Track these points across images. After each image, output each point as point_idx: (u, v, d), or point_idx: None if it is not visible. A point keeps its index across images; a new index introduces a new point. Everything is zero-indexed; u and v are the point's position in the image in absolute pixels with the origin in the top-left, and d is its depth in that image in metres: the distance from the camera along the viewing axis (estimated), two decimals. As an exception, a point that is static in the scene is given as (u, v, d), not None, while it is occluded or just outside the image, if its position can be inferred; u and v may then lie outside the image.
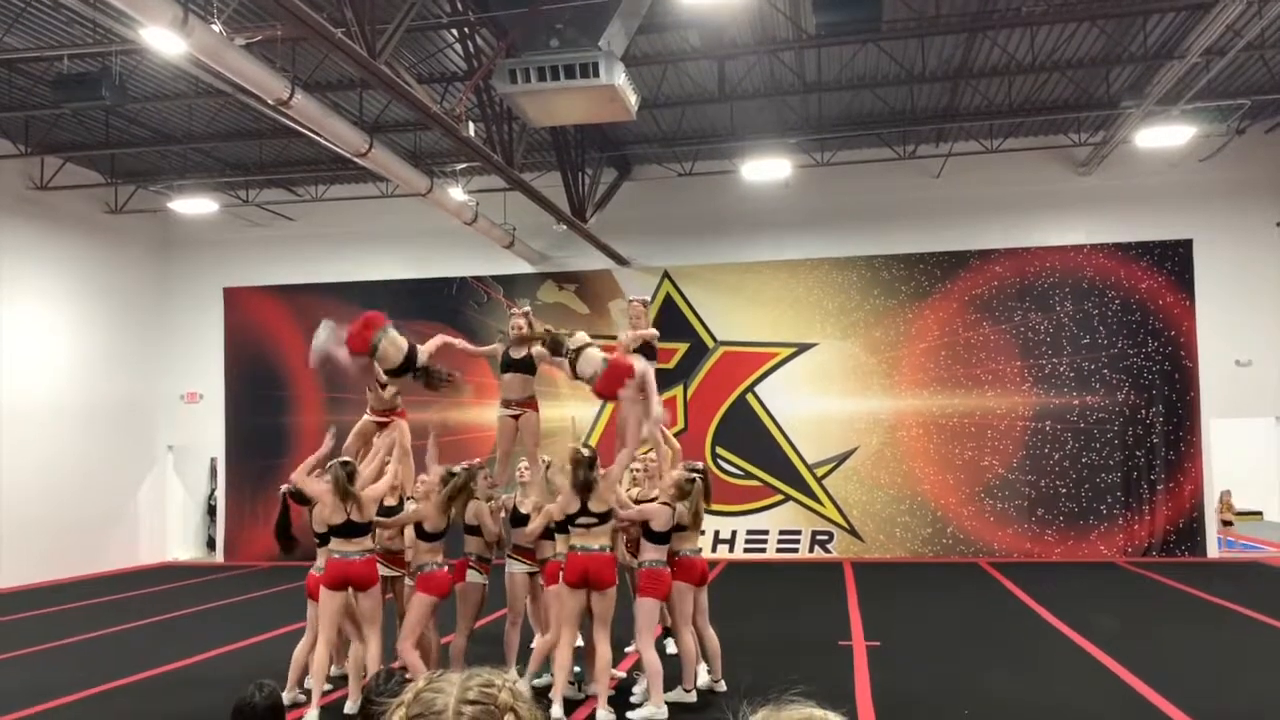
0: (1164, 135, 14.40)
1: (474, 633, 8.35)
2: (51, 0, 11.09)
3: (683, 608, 7.72)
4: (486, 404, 16.55)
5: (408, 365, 7.95)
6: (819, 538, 17.14)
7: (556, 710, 7.25)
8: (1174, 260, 16.45)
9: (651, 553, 7.53)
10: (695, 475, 7.83)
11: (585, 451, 7.51)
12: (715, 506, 16.53)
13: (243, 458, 18.90)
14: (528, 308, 9.16)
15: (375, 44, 9.15)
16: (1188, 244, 16.40)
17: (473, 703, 1.41)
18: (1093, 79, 14.32)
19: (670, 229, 17.79)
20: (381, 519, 8.03)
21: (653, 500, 7.91)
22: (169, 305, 19.32)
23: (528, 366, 8.48)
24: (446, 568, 7.94)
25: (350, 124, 12.19)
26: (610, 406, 9.05)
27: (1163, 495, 16.23)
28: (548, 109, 10.66)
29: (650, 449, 8.55)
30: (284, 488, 8.11)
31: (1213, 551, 16.09)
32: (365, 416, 8.76)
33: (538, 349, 8.32)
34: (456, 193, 15.51)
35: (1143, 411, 16.38)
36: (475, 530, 8.16)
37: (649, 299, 9.23)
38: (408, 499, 8.39)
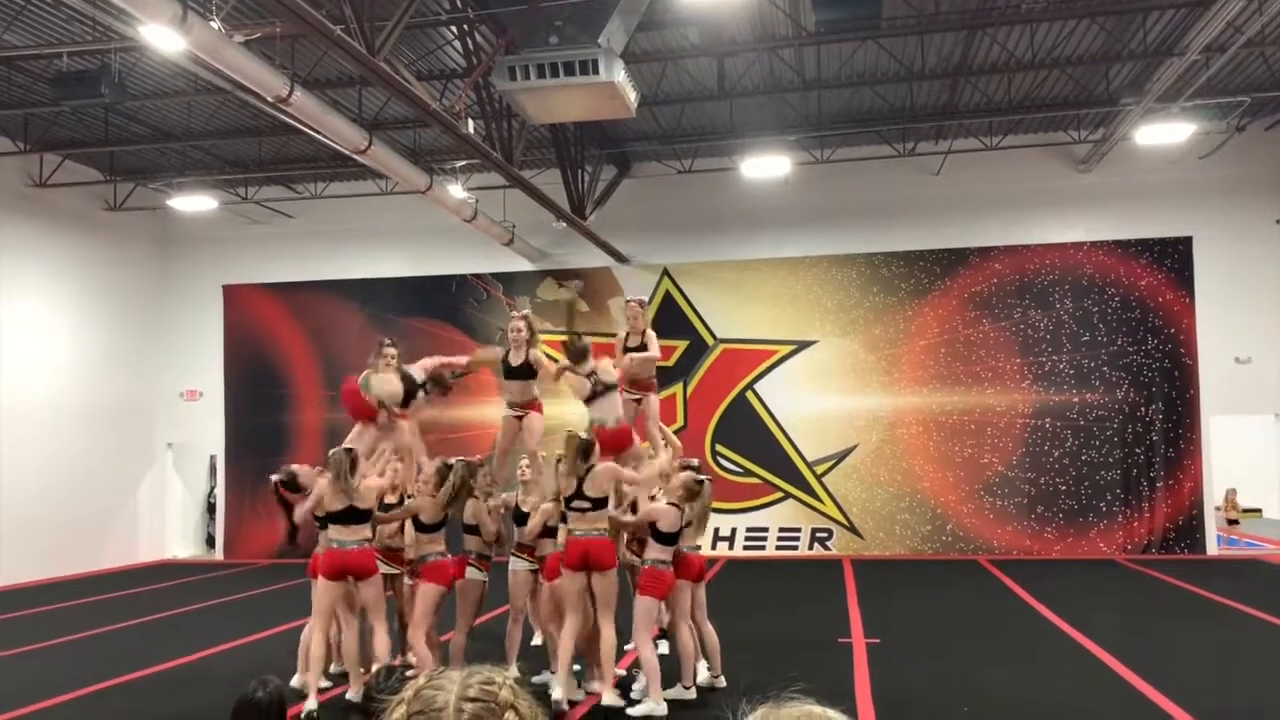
0: (1164, 132, 14.40)
1: (474, 630, 8.36)
2: (50, -3, 11.09)
3: (681, 604, 7.72)
4: (485, 402, 16.56)
5: (412, 392, 8.00)
6: (818, 535, 17.14)
7: (557, 693, 7.26)
8: (1174, 257, 16.45)
9: (655, 552, 7.52)
10: (705, 478, 7.83)
11: (582, 436, 7.54)
12: (715, 504, 16.60)
13: (242, 455, 18.89)
14: (527, 310, 9.18)
15: (374, 41, 9.14)
16: (1187, 241, 16.40)
17: (473, 700, 1.41)
18: (1092, 76, 14.32)
19: (670, 226, 17.79)
20: (381, 514, 8.03)
21: (652, 498, 7.91)
22: (168, 303, 19.31)
23: (528, 372, 8.51)
24: (449, 557, 7.96)
25: (349, 121, 12.18)
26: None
27: (1162, 493, 16.23)
28: (547, 106, 10.64)
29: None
30: (274, 477, 8.08)
31: (1212, 549, 16.09)
32: None
33: (562, 362, 8.36)
34: (456, 190, 15.50)
35: (1142, 409, 16.38)
36: (474, 529, 8.16)
37: (646, 299, 9.23)
38: (408, 497, 8.39)
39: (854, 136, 16.38)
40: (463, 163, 16.27)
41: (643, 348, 8.72)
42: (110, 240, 18.05)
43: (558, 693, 7.28)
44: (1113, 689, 7.82)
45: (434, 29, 12.29)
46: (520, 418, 8.63)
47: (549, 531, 8.15)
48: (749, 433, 17.41)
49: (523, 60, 9.93)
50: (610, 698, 7.27)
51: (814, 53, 13.42)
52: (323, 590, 7.52)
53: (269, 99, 10.49)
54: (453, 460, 8.05)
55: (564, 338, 8.49)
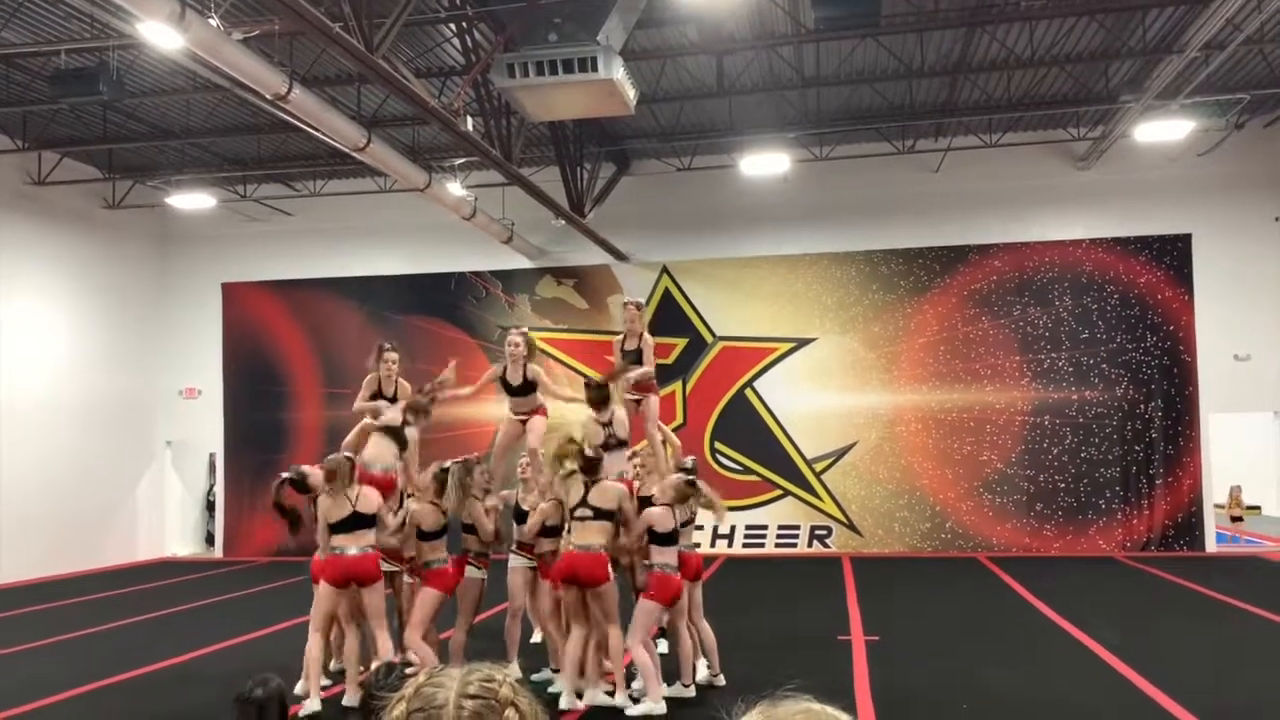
0: (1163, 130, 14.40)
1: (473, 628, 8.36)
2: (48, -5, 11.08)
3: (679, 603, 7.71)
4: (483, 400, 16.52)
5: (403, 440, 8.06)
6: (818, 533, 17.15)
7: (565, 702, 7.26)
8: (1173, 255, 16.45)
9: (660, 555, 7.48)
10: (695, 479, 7.80)
11: (587, 452, 7.49)
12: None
13: (241, 453, 18.89)
14: (525, 328, 9.18)
15: (373, 38, 9.13)
16: (1186, 239, 16.40)
17: (474, 697, 1.41)
18: (1092, 73, 14.31)
19: (669, 224, 17.78)
20: (385, 538, 7.99)
21: (649, 498, 7.91)
22: (167, 301, 19.29)
23: (527, 389, 8.51)
24: (451, 563, 7.95)
25: (348, 119, 12.17)
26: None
27: (1161, 490, 16.24)
28: (546, 103, 10.64)
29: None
30: (284, 474, 8.03)
31: (1211, 546, 16.10)
32: (359, 404, 8.76)
33: (588, 415, 8.29)
34: (455, 188, 15.49)
35: (1141, 406, 16.38)
36: (472, 528, 8.16)
37: (644, 301, 9.19)
38: (407, 497, 8.38)
39: (853, 134, 16.37)
40: (461, 160, 16.25)
41: (639, 352, 8.68)
42: (109, 238, 18.03)
43: (563, 697, 7.28)
44: (1112, 686, 7.83)
45: (432, 26, 12.27)
46: (524, 421, 8.65)
47: (548, 531, 8.15)
48: (748, 430, 17.41)
49: (521, 58, 9.92)
50: (620, 698, 7.27)
51: (813, 50, 13.41)
52: (324, 595, 7.50)
53: (267, 96, 10.49)
54: (448, 464, 8.02)
55: (586, 381, 8.44)
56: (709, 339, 17.66)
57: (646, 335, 8.72)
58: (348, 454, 7.83)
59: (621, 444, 8.20)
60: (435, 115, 10.70)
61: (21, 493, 15.80)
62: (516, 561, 8.45)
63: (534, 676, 8.24)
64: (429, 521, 7.86)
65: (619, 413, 8.36)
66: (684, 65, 13.81)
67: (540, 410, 8.65)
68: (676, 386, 17.43)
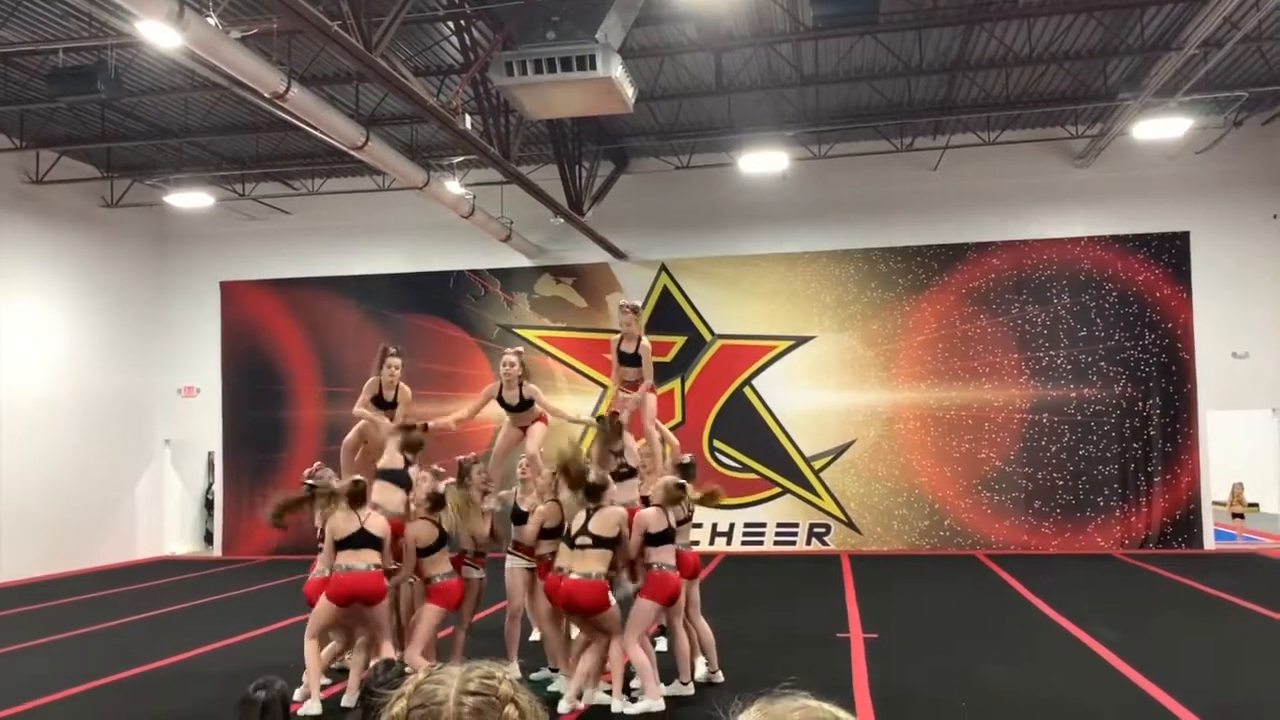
0: (1161, 127, 14.41)
1: (472, 626, 8.37)
2: (46, -7, 11.07)
3: (676, 602, 7.70)
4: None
5: (408, 484, 8.06)
6: (816, 530, 17.16)
7: (565, 703, 7.26)
8: (1171, 252, 16.46)
9: (657, 554, 7.45)
10: (685, 483, 7.78)
11: (593, 478, 7.46)
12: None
13: (240, 452, 18.89)
14: (521, 348, 9.16)
15: (371, 37, 9.13)
16: (1185, 236, 16.41)
17: (474, 694, 1.41)
18: (1090, 71, 14.32)
19: (667, 222, 17.78)
20: (389, 569, 7.98)
21: (647, 497, 7.91)
22: (165, 299, 19.29)
23: (524, 406, 8.51)
24: (456, 577, 7.94)
25: (346, 117, 12.16)
26: (605, 405, 9.07)
27: (1160, 487, 16.26)
28: (544, 102, 10.63)
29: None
30: (309, 483, 7.99)
31: (1210, 543, 16.12)
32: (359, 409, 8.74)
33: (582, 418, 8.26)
34: (453, 186, 15.49)
35: (1140, 404, 16.39)
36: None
37: (639, 304, 9.14)
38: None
39: (852, 132, 16.37)
40: (460, 158, 16.26)
41: (636, 357, 8.66)
42: (107, 237, 18.03)
43: (563, 700, 7.29)
44: (1110, 684, 7.83)
45: (431, 24, 12.27)
46: (524, 428, 8.66)
47: (547, 533, 8.15)
48: (747, 428, 17.42)
49: (520, 56, 9.92)
50: (618, 702, 7.27)
51: (812, 48, 13.41)
52: (324, 610, 7.46)
53: (266, 95, 10.48)
54: (442, 486, 7.98)
55: (599, 414, 8.41)
56: (707, 337, 17.67)
57: (644, 339, 8.68)
58: (359, 478, 7.83)
59: (632, 473, 8.16)
60: (434, 114, 10.70)
61: (20, 491, 15.80)
62: (515, 562, 8.45)
63: (533, 675, 8.24)
64: (426, 538, 7.83)
65: (630, 442, 8.35)
66: (682, 63, 13.81)
67: (540, 418, 8.65)
68: (675, 385, 17.44)
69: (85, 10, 11.13)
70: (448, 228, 17.25)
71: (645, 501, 7.92)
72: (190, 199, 17.27)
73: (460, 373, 17.82)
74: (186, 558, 18.85)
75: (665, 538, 7.49)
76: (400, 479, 8.08)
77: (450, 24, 11.91)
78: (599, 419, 8.41)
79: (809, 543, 17.15)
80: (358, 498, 7.55)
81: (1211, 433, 16.29)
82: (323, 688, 7.55)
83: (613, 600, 7.34)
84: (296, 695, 7.52)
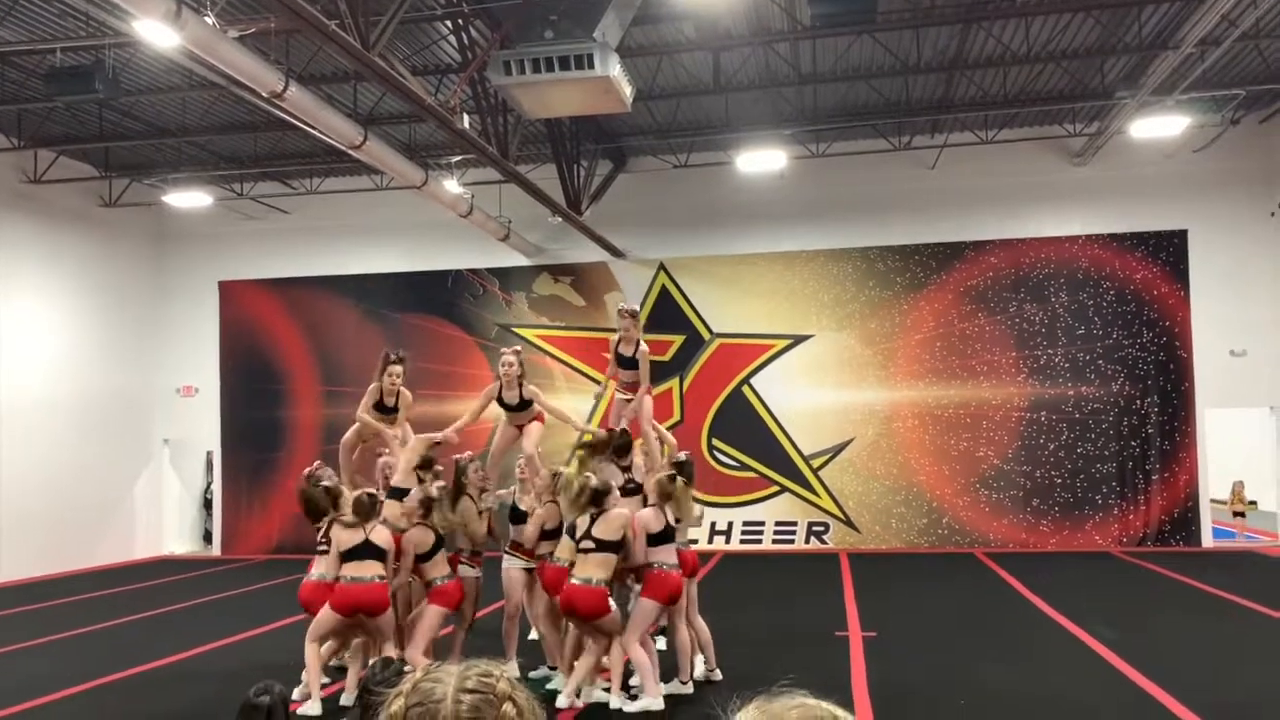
0: (1159, 126, 14.42)
1: (471, 625, 8.37)
2: (44, -7, 11.06)
3: (674, 605, 7.70)
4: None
5: (429, 505, 8.00)
6: (815, 529, 17.17)
7: (563, 700, 7.27)
8: (1169, 251, 16.47)
9: (657, 554, 7.45)
10: (674, 474, 7.77)
11: (594, 485, 7.46)
12: (712, 498, 16.69)
13: (238, 451, 18.89)
14: (519, 346, 9.13)
15: (369, 36, 9.13)
16: (1182, 234, 16.43)
17: (471, 691, 1.42)
18: (1088, 69, 14.32)
19: (666, 221, 17.79)
20: (392, 581, 7.98)
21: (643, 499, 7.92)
22: (164, 299, 19.28)
23: (523, 406, 8.50)
24: (456, 579, 7.95)
25: (344, 116, 12.16)
26: (603, 404, 9.03)
27: (1158, 485, 16.27)
28: (543, 101, 10.64)
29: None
30: (325, 483, 7.99)
31: (1208, 541, 16.13)
32: (361, 414, 8.74)
33: (602, 459, 8.21)
34: (451, 185, 15.48)
35: (1138, 402, 16.41)
36: (465, 527, 8.16)
37: (638, 308, 9.12)
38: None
39: (849, 130, 16.38)
40: (458, 158, 16.26)
41: (634, 361, 8.65)
42: (105, 236, 18.02)
43: (562, 696, 7.30)
44: (1109, 682, 7.84)
45: (429, 24, 12.27)
46: (520, 426, 8.66)
47: (546, 534, 8.15)
48: (745, 427, 17.43)
49: (518, 55, 9.92)
50: (617, 701, 7.28)
51: (809, 47, 13.41)
52: (327, 619, 7.47)
53: (264, 94, 10.48)
54: (433, 490, 7.99)
55: (608, 431, 8.39)
56: (706, 336, 17.68)
57: (643, 343, 8.67)
58: (370, 491, 7.84)
59: (638, 489, 8.15)
60: (432, 113, 10.70)
61: (19, 491, 15.79)
62: (512, 562, 8.44)
63: (532, 674, 8.25)
64: (423, 542, 7.83)
65: (639, 460, 8.34)
66: (680, 62, 13.81)
67: (538, 417, 8.65)
68: (673, 383, 17.45)
69: (83, 9, 11.12)
70: (446, 227, 17.25)
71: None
72: (188, 198, 17.26)
73: (459, 372, 17.82)
74: (185, 557, 18.85)
75: (665, 537, 7.49)
76: (404, 496, 8.09)
77: (448, 23, 11.91)
78: (609, 430, 8.40)
79: (807, 541, 17.16)
80: (364, 511, 7.54)
81: (1209, 431, 16.30)
82: (321, 687, 7.55)
83: (612, 605, 7.34)
84: (295, 695, 7.53)
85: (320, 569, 7.83)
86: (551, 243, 17.98)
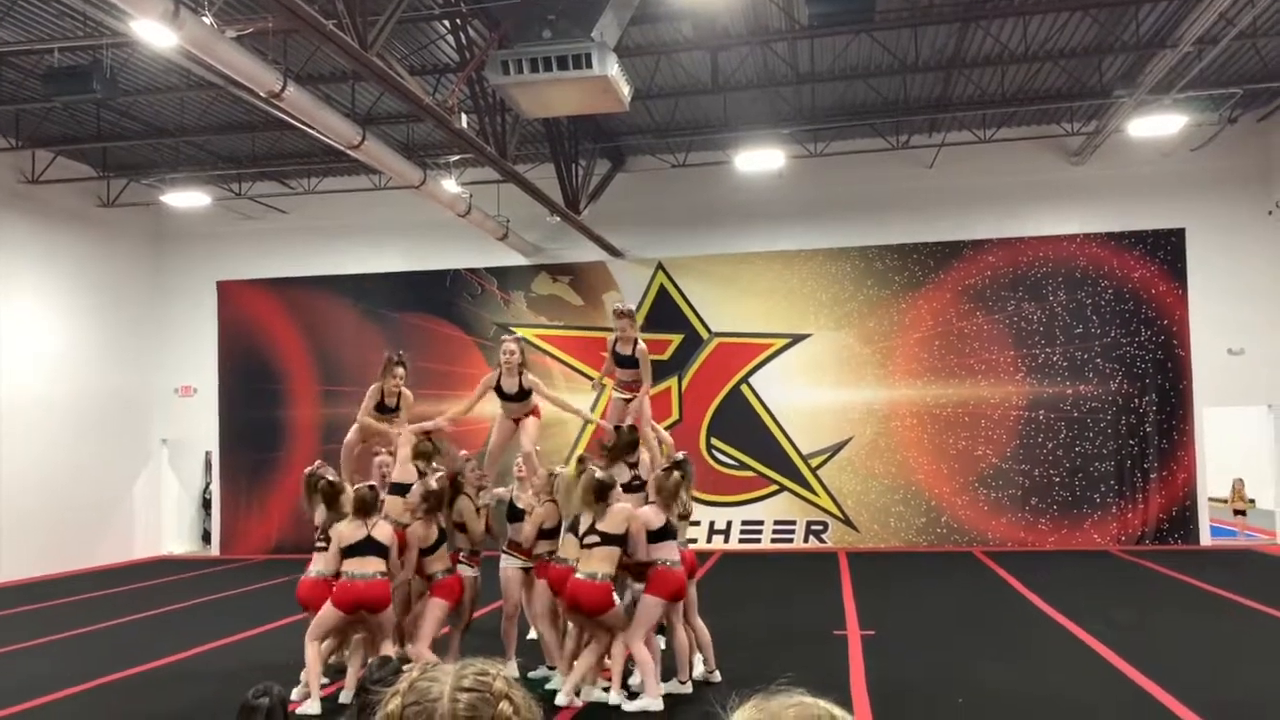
0: (1156, 124, 14.43)
1: (469, 625, 8.37)
2: (41, -7, 11.05)
3: (673, 603, 7.70)
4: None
5: (440, 498, 8.05)
6: (814, 528, 17.17)
7: (562, 698, 7.27)
8: (1166, 249, 16.48)
9: (658, 551, 7.45)
10: (670, 469, 7.78)
11: (599, 475, 7.46)
12: (711, 497, 16.70)
13: (237, 451, 18.89)
14: (520, 334, 9.11)
15: (367, 36, 9.12)
16: (1180, 233, 16.44)
17: (468, 690, 1.42)
18: (1085, 68, 14.33)
19: (664, 220, 17.79)
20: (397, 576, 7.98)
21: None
22: (162, 299, 19.27)
23: (523, 396, 8.47)
24: (456, 573, 7.96)
25: (342, 116, 12.16)
26: (602, 403, 8.99)
27: (1156, 484, 16.28)
28: (541, 100, 10.64)
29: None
30: (330, 478, 8.01)
31: (1206, 540, 16.15)
32: (363, 417, 8.74)
33: (606, 461, 8.21)
34: (450, 185, 15.48)
35: (1136, 400, 16.42)
36: (463, 527, 8.16)
37: (634, 308, 9.10)
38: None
39: (848, 129, 16.38)
40: (456, 157, 16.26)
41: (634, 359, 8.64)
42: (103, 236, 18.01)
43: (560, 694, 7.30)
44: (1108, 681, 7.84)
45: (427, 23, 12.27)
46: (517, 421, 8.64)
47: (544, 533, 8.15)
48: (744, 426, 17.43)
49: (516, 54, 9.92)
50: (615, 695, 7.29)
51: (807, 46, 13.41)
52: (328, 616, 7.47)
53: (262, 94, 10.48)
54: (433, 483, 7.99)
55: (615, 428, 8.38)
56: (704, 335, 17.68)
57: (641, 341, 8.66)
58: (372, 484, 7.84)
59: (642, 485, 8.15)
60: (430, 112, 10.70)
61: (17, 491, 15.79)
62: (509, 562, 8.44)
63: (531, 674, 8.25)
64: (427, 536, 7.84)
65: (645, 457, 8.33)
66: (679, 61, 13.81)
67: (534, 411, 8.63)
68: (672, 383, 17.46)
69: (80, 10, 11.11)
70: (444, 226, 17.25)
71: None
72: (186, 198, 17.25)
73: (457, 371, 17.82)
74: (184, 557, 18.84)
75: (666, 533, 7.50)
76: (407, 491, 8.09)
77: (446, 23, 11.91)
78: (616, 428, 8.39)
79: (806, 540, 17.16)
80: (366, 506, 7.55)
81: (1207, 429, 16.32)
82: (321, 687, 7.55)
83: (617, 600, 7.35)
84: (295, 694, 7.54)
85: (319, 566, 7.83)
86: (550, 242, 17.98)
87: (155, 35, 9.27)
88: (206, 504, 19.77)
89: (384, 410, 8.60)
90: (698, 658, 8.06)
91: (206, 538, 19.64)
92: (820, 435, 17.22)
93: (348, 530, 7.53)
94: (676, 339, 17.61)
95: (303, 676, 7.61)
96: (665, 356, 17.11)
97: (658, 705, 7.16)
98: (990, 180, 16.81)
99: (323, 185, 18.29)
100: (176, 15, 8.49)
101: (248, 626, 10.95)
